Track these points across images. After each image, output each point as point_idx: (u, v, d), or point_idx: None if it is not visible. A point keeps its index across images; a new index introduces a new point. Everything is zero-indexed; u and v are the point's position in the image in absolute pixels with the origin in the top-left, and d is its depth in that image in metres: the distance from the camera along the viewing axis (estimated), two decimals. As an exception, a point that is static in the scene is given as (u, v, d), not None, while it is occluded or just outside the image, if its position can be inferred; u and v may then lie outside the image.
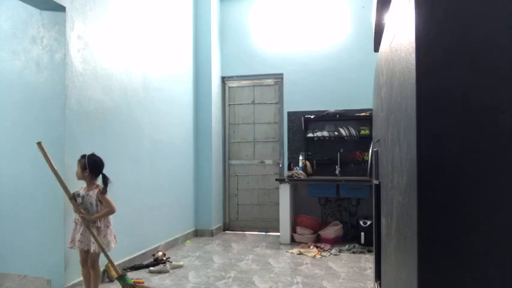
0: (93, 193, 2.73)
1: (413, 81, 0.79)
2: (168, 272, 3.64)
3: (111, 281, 3.28)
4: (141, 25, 4.07)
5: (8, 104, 3.08)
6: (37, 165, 2.97)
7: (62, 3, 2.92)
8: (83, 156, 2.77)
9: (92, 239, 2.68)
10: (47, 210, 2.93)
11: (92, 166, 2.74)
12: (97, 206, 2.73)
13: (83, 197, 2.73)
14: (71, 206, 2.93)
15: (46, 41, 2.98)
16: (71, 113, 3.01)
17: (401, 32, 0.98)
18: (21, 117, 3.03)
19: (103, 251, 2.68)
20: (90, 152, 2.79)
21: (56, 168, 2.61)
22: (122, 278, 2.79)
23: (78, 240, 2.70)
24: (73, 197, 2.69)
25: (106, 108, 3.45)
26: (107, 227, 2.79)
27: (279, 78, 5.62)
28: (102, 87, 3.41)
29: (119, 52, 3.65)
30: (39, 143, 2.59)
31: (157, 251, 3.94)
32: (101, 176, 2.79)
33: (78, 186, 2.92)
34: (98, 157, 2.79)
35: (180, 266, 3.80)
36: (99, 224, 2.73)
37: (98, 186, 2.77)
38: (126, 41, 3.78)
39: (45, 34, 2.99)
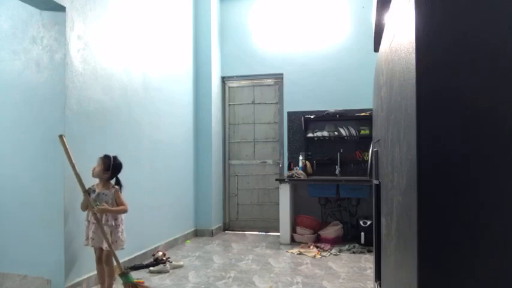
0: (110, 192, 2.85)
1: (413, 81, 0.79)
2: (168, 272, 3.64)
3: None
4: (141, 25, 4.07)
5: (8, 104, 3.08)
6: (37, 165, 2.97)
7: (62, 3, 2.92)
8: (107, 157, 2.87)
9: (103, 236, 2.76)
10: (47, 210, 2.93)
11: (115, 169, 2.89)
12: (112, 204, 2.83)
13: (98, 194, 2.82)
14: (70, 207, 2.94)
15: (46, 41, 2.98)
16: (71, 113, 3.01)
17: (401, 32, 0.98)
18: (21, 117, 3.03)
19: (110, 246, 2.76)
20: (107, 154, 2.90)
21: (74, 162, 2.70)
22: (125, 275, 2.84)
23: (91, 238, 2.80)
24: (87, 192, 2.78)
25: (106, 108, 3.45)
26: (120, 225, 2.90)
27: (279, 78, 5.62)
28: (102, 87, 3.41)
29: (119, 52, 3.65)
30: (60, 136, 2.73)
31: (157, 251, 3.94)
32: (115, 178, 2.95)
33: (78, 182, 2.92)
34: (120, 161, 2.93)
35: (180, 266, 3.80)
36: (113, 223, 2.82)
37: (114, 186, 2.89)
38: (126, 41, 3.78)
39: (45, 34, 2.98)
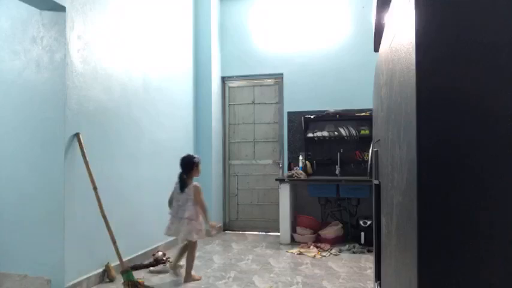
0: (189, 190, 3.35)
1: (413, 81, 0.79)
2: (168, 272, 3.64)
3: (111, 281, 3.28)
4: (141, 25, 4.07)
5: (8, 104, 3.08)
6: (37, 165, 2.97)
7: (62, 3, 2.92)
8: (191, 159, 3.46)
9: (183, 229, 3.34)
10: (47, 210, 2.93)
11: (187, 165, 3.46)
12: (192, 200, 3.34)
13: (184, 191, 3.34)
14: (70, 207, 2.94)
15: (46, 41, 2.98)
16: (71, 113, 3.01)
17: (401, 32, 0.98)
18: (21, 117, 3.03)
19: (113, 243, 3.09)
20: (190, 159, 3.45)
21: (88, 159, 3.04)
22: (126, 273, 2.88)
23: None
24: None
25: (106, 108, 3.45)
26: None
27: (279, 78, 5.62)
28: (102, 87, 3.41)
29: (119, 52, 3.65)
30: (77, 134, 3.02)
31: (157, 251, 3.94)
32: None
33: (78, 183, 2.94)
34: (184, 157, 3.49)
35: (180, 266, 3.79)
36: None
37: (191, 182, 3.35)
38: (126, 41, 3.78)
39: (45, 34, 2.98)
